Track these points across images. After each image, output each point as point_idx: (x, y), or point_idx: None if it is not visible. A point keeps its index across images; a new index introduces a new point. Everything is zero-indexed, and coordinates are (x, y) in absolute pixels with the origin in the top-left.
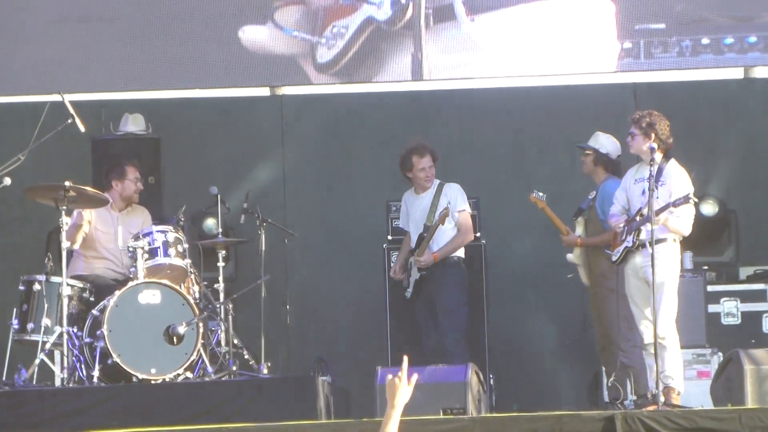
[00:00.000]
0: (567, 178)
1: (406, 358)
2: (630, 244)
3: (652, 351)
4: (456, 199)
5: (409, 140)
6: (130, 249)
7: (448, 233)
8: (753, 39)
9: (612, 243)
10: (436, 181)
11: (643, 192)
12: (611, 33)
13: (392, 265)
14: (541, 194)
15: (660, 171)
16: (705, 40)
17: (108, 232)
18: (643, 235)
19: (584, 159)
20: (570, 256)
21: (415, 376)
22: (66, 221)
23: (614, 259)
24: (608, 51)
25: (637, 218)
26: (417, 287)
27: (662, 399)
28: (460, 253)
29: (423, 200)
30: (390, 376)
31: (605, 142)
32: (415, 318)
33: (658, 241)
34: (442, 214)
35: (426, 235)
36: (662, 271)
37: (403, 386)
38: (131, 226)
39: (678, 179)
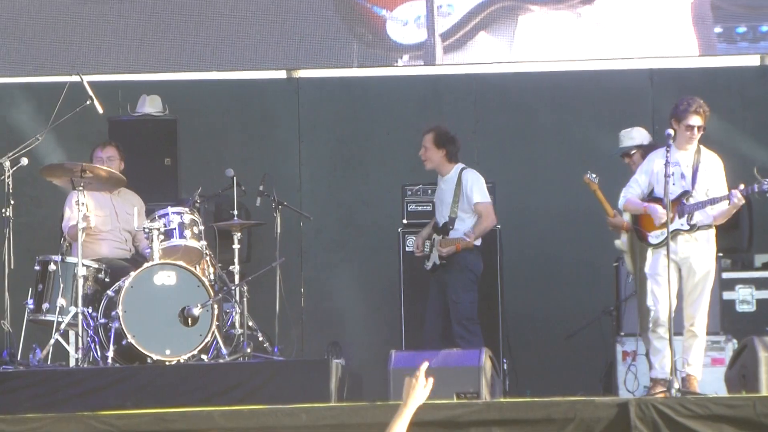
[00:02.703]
0: (582, 163)
1: (425, 363)
2: (686, 227)
3: (664, 335)
4: (471, 191)
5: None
6: (146, 230)
7: (468, 223)
8: (765, 28)
9: (643, 226)
10: (459, 166)
11: (682, 176)
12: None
13: (415, 240)
14: (593, 176)
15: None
16: (718, 29)
17: (103, 215)
18: (694, 219)
19: (632, 159)
20: (618, 243)
21: (431, 381)
22: (83, 201)
23: (656, 241)
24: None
25: (684, 201)
26: (434, 267)
27: (676, 385)
28: (477, 241)
29: (447, 184)
30: (408, 378)
31: (639, 135)
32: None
33: (707, 227)
34: (462, 241)
35: (451, 229)
36: (711, 259)
37: (419, 387)
38: (126, 207)
39: (718, 168)
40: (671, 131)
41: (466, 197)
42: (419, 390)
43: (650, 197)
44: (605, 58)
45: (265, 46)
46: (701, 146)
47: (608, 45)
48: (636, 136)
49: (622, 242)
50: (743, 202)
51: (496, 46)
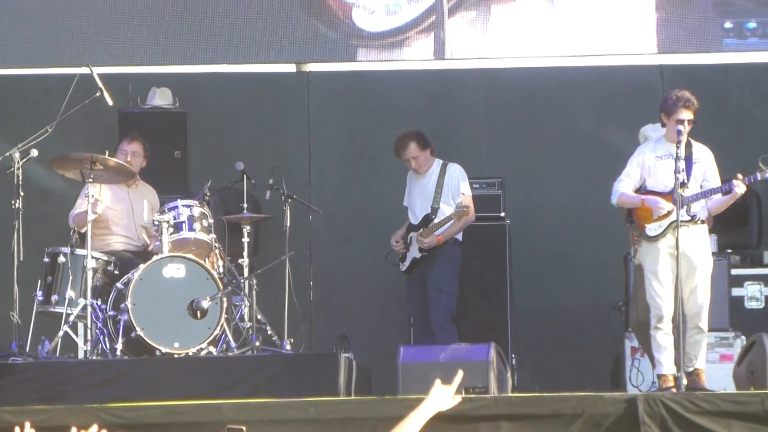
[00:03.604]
0: (592, 158)
1: (461, 373)
2: (687, 219)
3: (669, 332)
4: (458, 183)
5: (399, 131)
6: (156, 223)
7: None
8: None
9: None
10: (439, 162)
11: (677, 170)
12: (637, 15)
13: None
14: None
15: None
16: (728, 24)
17: (119, 208)
18: (693, 210)
19: None
20: None
21: (458, 398)
22: (92, 193)
23: (654, 234)
24: (640, 32)
25: (683, 193)
26: (412, 263)
27: (685, 382)
28: (458, 235)
29: (427, 180)
30: (441, 381)
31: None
32: (405, 291)
33: (703, 221)
34: (460, 212)
35: (434, 218)
36: (709, 253)
37: (446, 395)
38: (143, 201)
39: (711, 160)
40: (681, 127)
41: (451, 189)
42: (447, 397)
43: (644, 191)
44: (567, 55)
45: (231, 40)
46: (691, 139)
47: (572, 41)
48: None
49: None
50: (745, 189)
51: (470, 37)
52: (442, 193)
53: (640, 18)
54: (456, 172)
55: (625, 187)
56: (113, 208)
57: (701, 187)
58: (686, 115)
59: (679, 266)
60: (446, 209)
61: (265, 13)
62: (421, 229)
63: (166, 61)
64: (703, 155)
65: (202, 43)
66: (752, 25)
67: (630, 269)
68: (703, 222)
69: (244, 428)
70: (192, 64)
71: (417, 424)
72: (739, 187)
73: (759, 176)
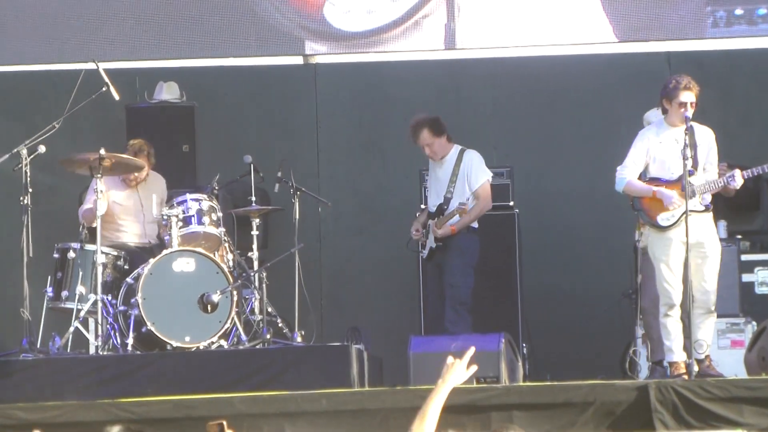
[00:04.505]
0: (600, 145)
1: (473, 348)
2: (701, 208)
3: (678, 319)
4: (473, 171)
5: (413, 117)
6: (165, 217)
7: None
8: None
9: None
10: (457, 148)
11: (685, 157)
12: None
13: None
14: None
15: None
16: (738, 11)
17: (125, 204)
18: (706, 201)
19: None
20: None
21: (474, 368)
22: (102, 188)
23: (667, 224)
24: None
25: (691, 182)
26: (431, 252)
27: (696, 369)
28: (473, 223)
29: (443, 167)
30: (451, 358)
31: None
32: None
33: (711, 208)
34: (460, 210)
35: (446, 208)
36: (717, 238)
37: (460, 368)
38: (152, 196)
39: (713, 140)
40: (687, 112)
41: (466, 177)
42: (459, 371)
43: (648, 177)
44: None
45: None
46: (692, 122)
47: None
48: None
49: None
50: (741, 183)
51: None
52: (456, 181)
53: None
54: (471, 160)
55: (629, 174)
56: (121, 204)
57: (705, 170)
58: (688, 96)
59: (692, 255)
60: (461, 198)
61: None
62: (436, 219)
63: (172, 56)
64: (705, 137)
65: (208, 37)
66: (763, 11)
67: (639, 257)
68: (710, 209)
69: (224, 422)
70: (197, 57)
71: (438, 406)
72: (739, 182)
73: (760, 170)
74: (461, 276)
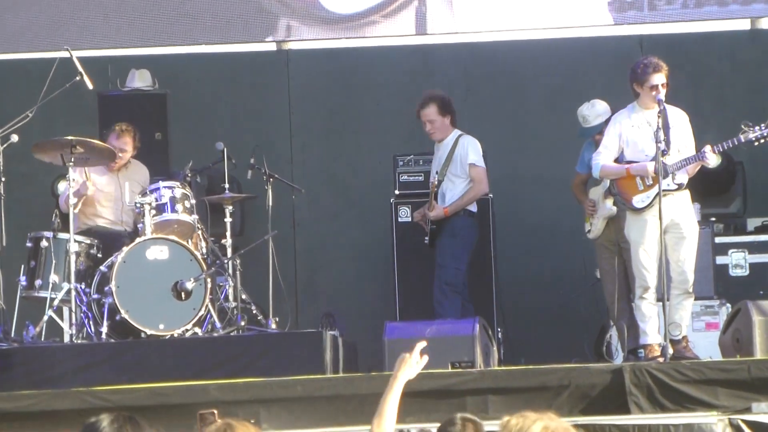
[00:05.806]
0: (573, 130)
1: (423, 343)
2: (674, 187)
3: (653, 302)
4: (467, 152)
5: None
6: (138, 205)
7: (460, 187)
8: None
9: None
10: (456, 132)
11: (657, 139)
12: None
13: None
14: None
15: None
16: None
17: (107, 191)
18: (678, 179)
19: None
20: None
21: (425, 359)
22: (74, 177)
23: (642, 205)
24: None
25: (665, 161)
26: (432, 236)
27: (671, 351)
28: (471, 207)
29: (441, 149)
30: (403, 353)
31: (604, 109)
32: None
33: (686, 187)
34: (431, 184)
35: (437, 191)
36: (694, 218)
37: (412, 362)
38: (132, 183)
39: (686, 122)
40: (659, 94)
41: (460, 159)
42: (411, 365)
43: (623, 162)
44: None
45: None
46: (665, 104)
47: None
48: (602, 111)
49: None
50: (716, 159)
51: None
52: (450, 164)
53: None
54: (466, 144)
55: (604, 159)
56: (102, 190)
57: (678, 151)
58: (659, 78)
59: (669, 236)
60: (455, 180)
61: None
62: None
63: (144, 43)
64: (678, 119)
65: (180, 23)
66: None
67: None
68: (685, 188)
69: (215, 411)
70: (170, 45)
71: (394, 403)
72: (711, 158)
73: (731, 143)
74: (450, 258)
